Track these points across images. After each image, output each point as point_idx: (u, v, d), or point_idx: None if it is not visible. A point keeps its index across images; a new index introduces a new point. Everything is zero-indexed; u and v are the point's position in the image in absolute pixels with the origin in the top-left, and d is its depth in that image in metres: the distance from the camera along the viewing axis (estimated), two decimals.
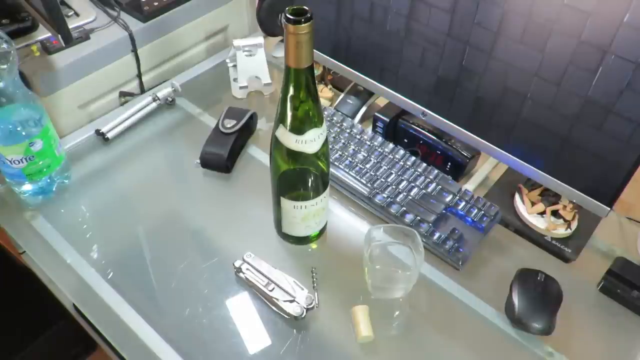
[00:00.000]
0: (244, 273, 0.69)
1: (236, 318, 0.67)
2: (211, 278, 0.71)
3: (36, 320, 1.07)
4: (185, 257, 0.73)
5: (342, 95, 0.98)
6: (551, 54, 0.64)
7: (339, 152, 0.84)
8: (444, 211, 0.77)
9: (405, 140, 0.90)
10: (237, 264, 0.70)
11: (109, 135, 0.88)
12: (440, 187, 0.80)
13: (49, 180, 0.78)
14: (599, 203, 0.70)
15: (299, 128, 0.61)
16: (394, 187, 0.80)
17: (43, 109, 0.74)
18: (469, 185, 0.84)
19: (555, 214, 0.77)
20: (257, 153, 0.89)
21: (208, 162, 0.84)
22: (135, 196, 0.82)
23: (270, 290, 0.67)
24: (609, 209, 0.69)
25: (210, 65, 1.07)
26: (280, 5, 1.00)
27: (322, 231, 0.76)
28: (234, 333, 0.66)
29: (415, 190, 0.79)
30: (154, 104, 0.94)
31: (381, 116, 0.91)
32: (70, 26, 0.83)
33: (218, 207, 0.81)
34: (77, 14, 0.95)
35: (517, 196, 0.81)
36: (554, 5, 0.60)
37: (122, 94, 0.98)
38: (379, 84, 0.86)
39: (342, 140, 0.86)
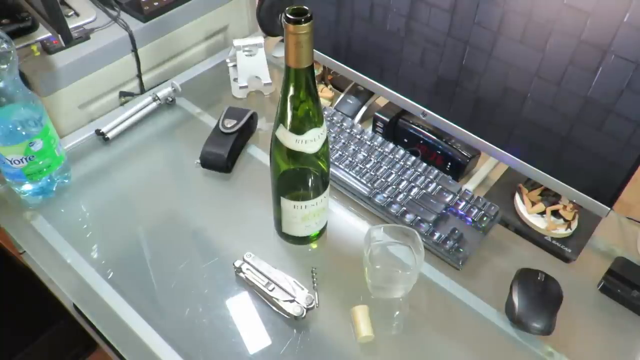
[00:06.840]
0: (244, 273, 0.69)
1: (236, 318, 0.67)
2: (211, 278, 0.71)
3: (36, 320, 1.07)
4: (185, 257, 0.73)
5: (342, 95, 0.97)
6: (551, 54, 0.64)
7: (339, 152, 0.84)
8: (444, 211, 0.77)
9: (405, 140, 0.90)
10: (237, 263, 0.70)
11: (109, 135, 0.88)
12: (440, 187, 0.80)
13: (49, 180, 0.78)
14: (599, 203, 0.70)
15: (299, 128, 0.61)
16: (394, 187, 0.80)
17: (43, 109, 0.74)
18: (469, 185, 0.84)
19: (555, 214, 0.77)
20: (257, 153, 0.89)
21: (208, 162, 0.84)
22: (136, 196, 0.82)
23: (271, 290, 0.67)
24: (609, 209, 0.69)
25: (210, 65, 1.07)
26: (280, 5, 1.00)
27: (322, 231, 0.76)
28: (234, 333, 0.66)
29: (415, 190, 0.79)
30: (154, 104, 0.94)
31: (381, 116, 0.91)
32: (70, 26, 0.83)
33: (218, 207, 0.81)
34: (77, 14, 0.95)
35: (517, 196, 0.81)
36: (554, 5, 0.60)
37: (122, 94, 0.98)
38: (379, 84, 0.86)
39: (342, 140, 0.86)
